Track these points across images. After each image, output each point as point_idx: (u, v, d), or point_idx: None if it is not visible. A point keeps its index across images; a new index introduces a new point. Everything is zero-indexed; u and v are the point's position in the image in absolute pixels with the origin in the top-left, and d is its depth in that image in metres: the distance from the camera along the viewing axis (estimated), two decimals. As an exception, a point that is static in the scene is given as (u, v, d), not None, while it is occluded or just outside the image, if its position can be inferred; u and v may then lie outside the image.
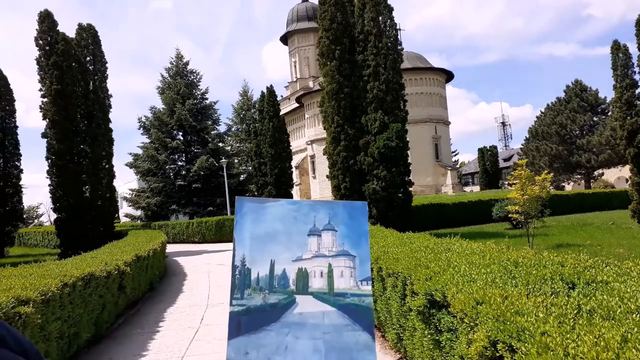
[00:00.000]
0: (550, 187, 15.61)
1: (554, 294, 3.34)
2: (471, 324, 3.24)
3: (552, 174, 16.39)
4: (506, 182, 52.75)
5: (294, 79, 62.79)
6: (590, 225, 20.93)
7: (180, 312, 9.41)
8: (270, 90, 34.72)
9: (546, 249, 13.03)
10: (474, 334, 3.11)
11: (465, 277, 4.06)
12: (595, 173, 50.53)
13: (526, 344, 2.52)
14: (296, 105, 58.72)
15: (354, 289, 1.22)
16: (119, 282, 8.50)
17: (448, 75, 54.41)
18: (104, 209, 22.19)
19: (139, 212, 43.57)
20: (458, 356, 3.86)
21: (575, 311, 2.85)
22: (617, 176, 53.09)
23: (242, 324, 1.15)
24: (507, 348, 2.69)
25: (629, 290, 3.13)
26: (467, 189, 60.30)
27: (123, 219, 48.90)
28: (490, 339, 2.83)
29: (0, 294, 4.88)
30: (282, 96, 57.88)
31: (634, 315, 2.67)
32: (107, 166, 22.93)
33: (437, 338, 4.27)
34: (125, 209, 48.47)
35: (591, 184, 49.37)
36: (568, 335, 2.47)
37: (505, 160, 66.74)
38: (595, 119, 50.34)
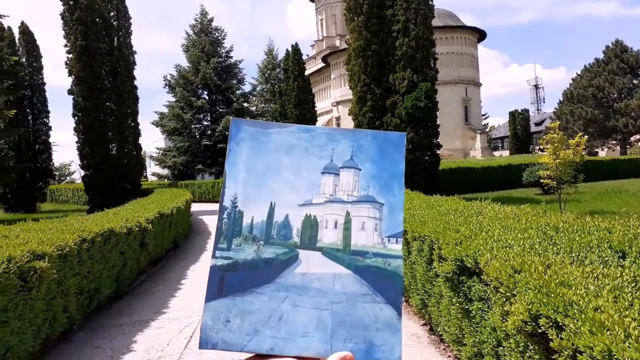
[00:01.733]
0: (584, 153, 14.88)
1: (603, 264, 2.98)
2: (507, 294, 2.92)
3: (586, 137, 15.59)
4: (537, 147, 51.34)
5: (320, 38, 61.43)
6: (626, 192, 20.10)
7: (202, 270, 9.38)
8: (295, 49, 33.97)
9: (578, 215, 12.40)
10: (510, 305, 2.80)
11: (500, 242, 3.72)
12: (632, 139, 48.52)
13: (575, 321, 2.20)
14: (322, 65, 57.64)
15: (378, 246, 0.88)
16: (140, 239, 8.44)
17: (480, 35, 52.36)
18: (130, 167, 22.37)
19: (165, 171, 44.08)
20: (490, 327, 3.57)
21: (632, 284, 2.49)
22: (654, 142, 50.93)
23: (226, 282, 0.85)
24: (551, 324, 2.36)
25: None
26: (497, 153, 58.87)
27: (150, 178, 49.67)
28: (531, 313, 2.51)
29: (16, 248, 4.78)
30: (307, 55, 56.83)
31: None
32: (132, 124, 22.97)
33: (466, 307, 3.99)
34: (152, 168, 49.17)
35: (627, 150, 47.51)
36: (627, 313, 2.13)
37: (536, 124, 64.58)
38: (635, 81, 47.90)
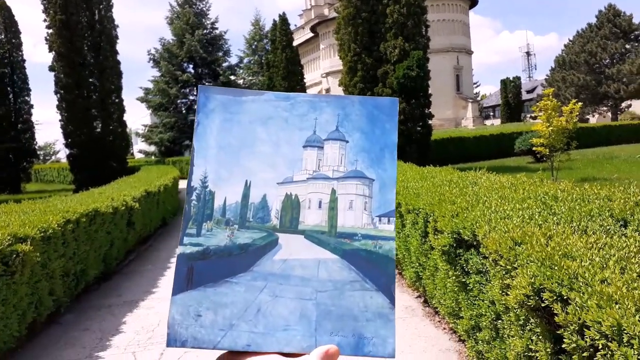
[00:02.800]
0: (576, 119, 14.81)
1: (606, 233, 2.85)
2: (508, 267, 2.79)
3: (580, 104, 15.48)
4: (529, 115, 51.35)
5: (309, 7, 60.27)
6: (617, 159, 20.16)
7: (192, 248, 9.25)
8: (283, 19, 33.27)
9: (571, 183, 12.38)
10: (512, 279, 2.67)
11: (498, 213, 3.59)
12: (623, 105, 48.61)
13: (581, 294, 2.07)
14: (310, 35, 56.72)
15: (367, 227, 0.79)
16: (127, 218, 8.26)
17: (471, 2, 51.60)
18: (115, 144, 22.03)
19: (152, 148, 43.66)
20: (488, 301, 3.47)
21: (639, 254, 2.37)
22: (645, 108, 51.07)
23: (196, 272, 0.76)
24: (555, 298, 2.24)
25: (700, 229, 2.63)
26: (488, 122, 58.81)
27: (137, 155, 49.22)
28: (534, 287, 2.39)
29: (-4, 232, 4.60)
30: (295, 26, 55.85)
31: None
32: (117, 100, 22.53)
33: (463, 280, 3.89)
34: (139, 145, 48.62)
35: (618, 116, 47.61)
36: (635, 285, 2.00)
37: (528, 92, 64.35)
38: (627, 46, 47.70)
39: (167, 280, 7.13)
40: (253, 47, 51.48)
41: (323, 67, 53.48)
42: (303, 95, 0.84)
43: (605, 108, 49.70)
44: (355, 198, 0.81)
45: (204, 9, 42.97)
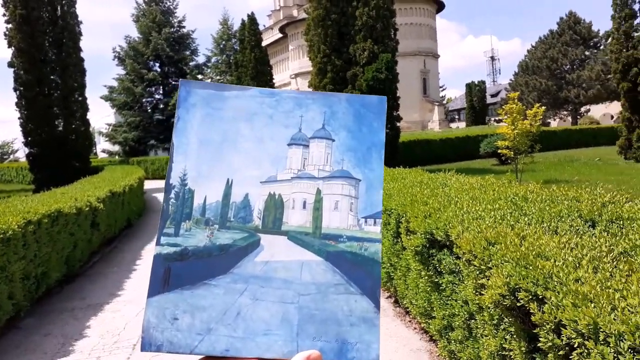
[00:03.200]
0: (539, 123, 15.26)
1: (576, 234, 2.91)
2: (482, 267, 2.81)
3: (544, 108, 15.94)
4: (493, 119, 52.57)
5: (277, 7, 60.07)
6: (577, 161, 20.85)
7: (159, 249, 9.03)
8: (252, 19, 33.03)
9: (538, 184, 12.70)
10: (486, 279, 2.69)
11: (470, 214, 3.62)
12: (582, 109, 50.39)
13: (557, 294, 2.10)
14: (279, 35, 56.55)
15: (353, 229, 0.76)
16: (91, 219, 8.01)
17: (438, 6, 52.52)
18: (78, 144, 21.36)
19: (116, 148, 42.64)
20: (461, 300, 3.50)
21: (610, 254, 2.42)
22: (602, 113, 53.07)
23: (173, 274, 0.72)
24: (531, 297, 2.26)
25: (666, 229, 2.71)
26: (454, 125, 59.93)
27: (100, 155, 48.01)
28: (510, 286, 2.41)
29: (-51, 234, 4.37)
30: (264, 26, 55.54)
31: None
32: (80, 98, 21.86)
33: (436, 280, 3.91)
34: (102, 145, 47.43)
35: (577, 120, 49.32)
36: (609, 284, 2.04)
37: (492, 96, 65.94)
38: (587, 53, 49.50)
39: (133, 282, 6.93)
40: (221, 46, 50.91)
41: (292, 68, 53.38)
42: (288, 91, 0.81)
43: (565, 112, 51.42)
44: (340, 198, 0.79)
45: (171, 7, 42.33)
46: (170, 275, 0.72)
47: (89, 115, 22.58)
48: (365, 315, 0.71)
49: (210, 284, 0.73)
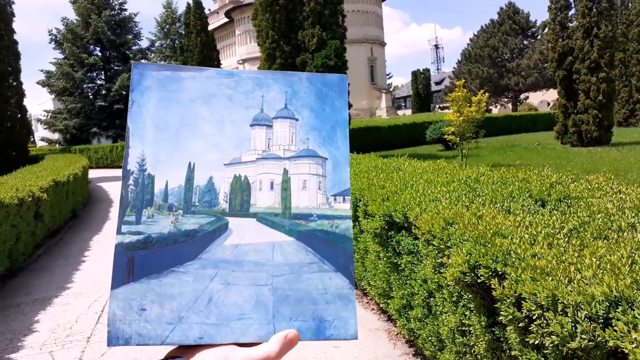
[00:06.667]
0: (484, 109, 15.82)
1: (528, 213, 3.06)
2: (441, 246, 2.90)
3: (487, 95, 16.52)
4: (437, 106, 53.90)
5: (223, -8, 58.68)
6: (518, 146, 21.79)
7: (107, 240, 8.74)
8: (197, 2, 32.09)
9: (487, 168, 13.16)
10: (447, 258, 2.78)
11: (427, 196, 3.72)
12: (522, 96, 52.60)
13: (516, 269, 2.20)
14: (225, 20, 55.32)
15: (323, 207, 0.76)
16: (35, 210, 7.61)
17: (384, -6, 52.98)
18: (14, 132, 20.16)
19: (56, 136, 40.54)
20: (420, 280, 3.60)
21: (563, 231, 2.56)
22: (540, 100, 55.65)
23: (137, 263, 0.69)
24: (491, 273, 2.36)
25: (609, 206, 2.89)
26: (400, 112, 61.06)
27: (40, 143, 45.49)
28: (470, 264, 2.50)
29: None
30: (209, 10, 54.16)
31: (625, 233, 2.42)
32: (14, 83, 20.56)
33: (394, 261, 4.00)
34: (41, 132, 44.93)
35: (517, 107, 51.47)
36: (564, 258, 2.16)
37: (437, 83, 67.60)
38: (525, 42, 51.59)
39: (82, 275, 6.68)
40: (165, 30, 49.28)
41: (239, 54, 52.45)
42: (247, 72, 0.80)
43: (506, 99, 53.54)
44: (308, 178, 0.79)
45: (111, -12, 40.37)
46: (135, 265, 0.70)
47: (26, 102, 21.35)
48: (341, 292, 0.72)
49: (179, 272, 0.71)
